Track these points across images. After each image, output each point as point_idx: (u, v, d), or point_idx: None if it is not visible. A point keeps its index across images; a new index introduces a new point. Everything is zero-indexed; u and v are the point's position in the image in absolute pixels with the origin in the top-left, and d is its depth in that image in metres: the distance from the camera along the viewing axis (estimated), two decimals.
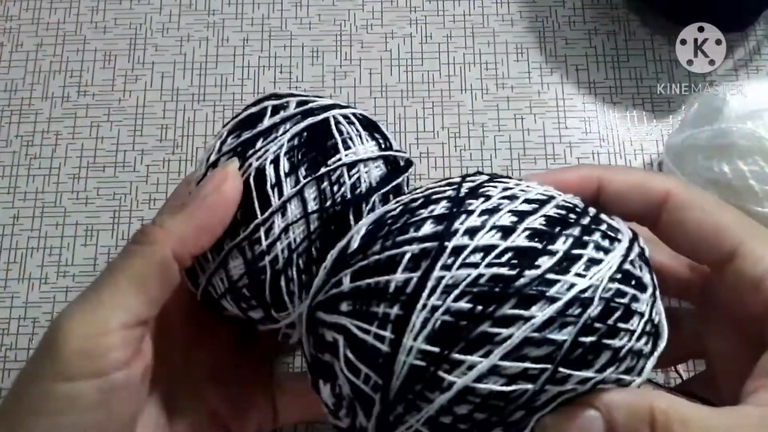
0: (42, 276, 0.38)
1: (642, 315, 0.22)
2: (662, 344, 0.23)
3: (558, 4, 0.44)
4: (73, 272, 0.38)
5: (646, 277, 0.23)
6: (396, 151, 0.28)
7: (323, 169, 0.26)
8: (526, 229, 0.22)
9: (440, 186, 0.25)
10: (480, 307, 0.21)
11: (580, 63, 0.42)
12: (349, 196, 0.26)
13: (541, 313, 0.21)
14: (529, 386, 0.21)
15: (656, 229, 0.26)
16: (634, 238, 0.24)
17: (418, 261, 0.22)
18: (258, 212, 0.25)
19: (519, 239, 0.22)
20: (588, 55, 0.43)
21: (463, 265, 0.21)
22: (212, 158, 0.27)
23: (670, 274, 0.28)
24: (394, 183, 0.27)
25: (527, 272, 0.21)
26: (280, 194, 0.25)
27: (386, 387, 0.21)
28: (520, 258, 0.21)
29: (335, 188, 0.26)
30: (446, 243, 0.22)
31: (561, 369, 0.21)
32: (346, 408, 0.23)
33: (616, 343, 0.22)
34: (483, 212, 0.22)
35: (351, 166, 0.26)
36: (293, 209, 0.25)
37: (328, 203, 0.26)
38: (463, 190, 0.24)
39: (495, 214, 0.22)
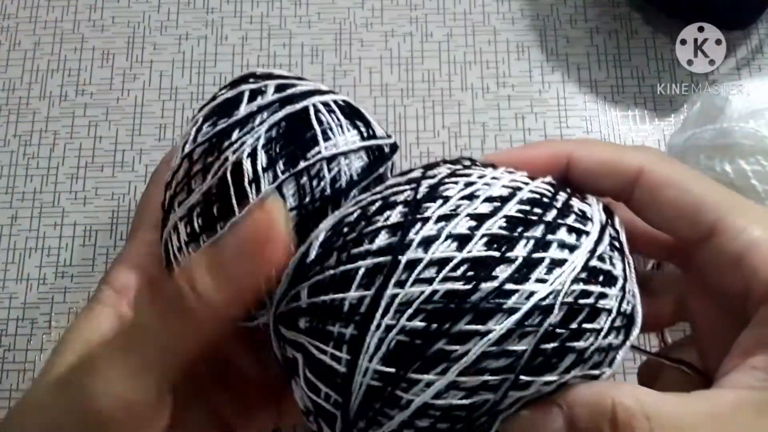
0: (40, 276, 0.38)
1: (610, 312, 0.22)
2: (636, 331, 0.23)
3: (559, 2, 0.43)
4: (72, 273, 0.38)
5: (617, 268, 0.23)
6: (379, 138, 0.27)
7: (302, 164, 0.25)
8: (484, 235, 0.21)
9: (401, 183, 0.24)
10: (435, 325, 0.20)
11: (581, 62, 0.42)
12: (328, 191, 0.25)
13: (498, 326, 0.20)
14: (490, 396, 0.21)
15: (630, 205, 0.25)
16: (607, 223, 0.23)
17: (372, 277, 0.21)
18: (236, 209, 0.25)
19: (476, 248, 0.21)
20: (589, 54, 0.42)
21: (417, 281, 0.21)
22: (187, 148, 0.26)
23: (653, 239, 0.27)
24: (374, 175, 0.26)
25: (483, 285, 0.20)
26: (258, 190, 0.25)
27: (346, 405, 0.21)
28: (476, 269, 0.21)
29: (314, 183, 0.25)
30: (400, 257, 0.21)
31: (522, 377, 0.20)
32: (313, 417, 0.23)
33: (580, 344, 0.21)
34: (440, 218, 0.22)
35: (331, 159, 0.26)
36: None
37: (307, 199, 0.25)
38: (422, 190, 0.23)
39: (452, 220, 0.21)
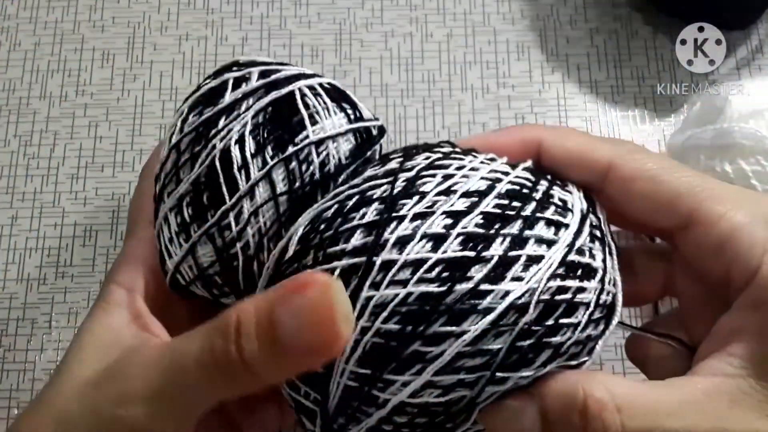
0: (40, 277, 0.38)
1: (588, 305, 0.22)
2: (615, 320, 0.23)
3: (559, 3, 0.43)
4: (72, 273, 0.38)
5: (597, 259, 0.22)
6: (366, 120, 0.27)
7: (291, 149, 0.25)
8: (459, 234, 0.21)
9: (378, 176, 0.24)
10: (410, 327, 0.20)
11: (581, 62, 0.42)
12: (317, 175, 0.25)
13: (473, 327, 0.20)
14: (467, 392, 0.21)
15: (602, 197, 0.25)
16: (588, 212, 0.23)
17: (348, 277, 0.21)
18: (226, 197, 0.25)
19: (451, 248, 0.21)
20: (589, 54, 0.42)
21: (392, 282, 0.21)
22: (174, 139, 0.26)
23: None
24: (363, 158, 0.26)
25: (458, 287, 0.20)
26: (248, 177, 0.25)
27: (325, 403, 0.22)
28: (451, 270, 0.21)
29: (303, 168, 0.25)
30: (375, 258, 0.21)
31: (498, 373, 0.21)
32: (296, 411, 0.24)
33: (557, 339, 0.21)
34: (415, 216, 0.22)
35: (319, 143, 0.25)
36: (261, 192, 0.25)
37: (297, 184, 0.25)
38: (399, 185, 0.23)
39: (428, 219, 0.21)
